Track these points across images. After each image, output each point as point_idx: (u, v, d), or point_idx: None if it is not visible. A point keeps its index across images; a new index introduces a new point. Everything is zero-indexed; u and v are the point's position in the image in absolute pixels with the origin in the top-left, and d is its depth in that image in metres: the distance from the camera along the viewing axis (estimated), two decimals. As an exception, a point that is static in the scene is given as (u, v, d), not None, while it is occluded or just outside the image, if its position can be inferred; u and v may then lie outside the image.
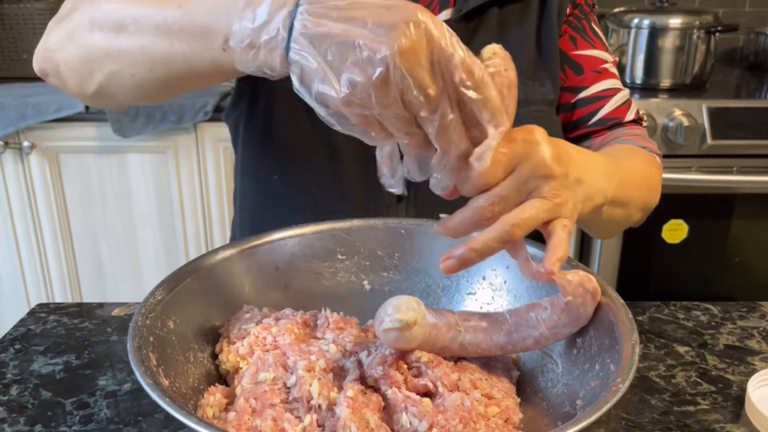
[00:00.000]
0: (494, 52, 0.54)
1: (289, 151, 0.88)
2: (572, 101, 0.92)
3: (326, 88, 0.48)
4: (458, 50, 0.48)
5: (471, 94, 0.49)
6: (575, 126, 0.93)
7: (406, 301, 0.57)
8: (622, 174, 0.72)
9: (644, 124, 0.96)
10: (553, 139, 0.57)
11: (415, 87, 0.47)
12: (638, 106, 0.97)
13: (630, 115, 0.93)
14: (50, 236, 1.99)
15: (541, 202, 0.55)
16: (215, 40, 0.55)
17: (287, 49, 0.50)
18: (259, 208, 0.95)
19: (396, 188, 0.55)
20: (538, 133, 0.55)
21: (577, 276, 0.59)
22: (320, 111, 0.50)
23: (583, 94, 0.92)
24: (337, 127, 0.51)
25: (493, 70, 0.53)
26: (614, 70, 0.94)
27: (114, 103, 0.70)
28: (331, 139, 0.86)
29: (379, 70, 0.46)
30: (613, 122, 0.92)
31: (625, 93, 0.93)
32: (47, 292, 2.06)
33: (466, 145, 0.52)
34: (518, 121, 0.57)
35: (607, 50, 0.94)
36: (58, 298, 2.06)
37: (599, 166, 0.65)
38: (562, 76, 0.91)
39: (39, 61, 0.70)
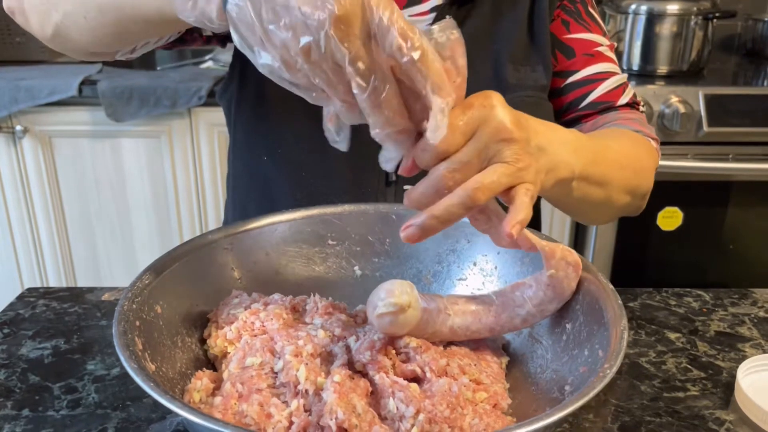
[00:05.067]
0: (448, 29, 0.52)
1: (278, 132, 0.88)
2: (562, 85, 0.90)
3: (258, 50, 0.49)
4: (397, 22, 0.47)
5: (408, 60, 0.48)
6: (566, 110, 0.91)
7: (399, 285, 0.57)
8: (598, 151, 0.70)
9: (641, 109, 0.93)
10: (510, 107, 0.56)
11: (346, 58, 0.47)
12: (634, 92, 0.94)
13: (624, 99, 0.91)
14: (44, 221, 1.98)
15: (504, 166, 0.54)
16: None
17: (225, 1, 0.50)
18: (250, 189, 0.95)
19: (340, 145, 0.54)
20: (495, 97, 0.54)
21: (558, 249, 0.59)
22: (262, 70, 0.50)
23: (573, 78, 0.90)
24: (281, 83, 0.51)
25: (442, 40, 0.51)
26: (610, 54, 0.92)
27: (72, 46, 0.73)
28: (321, 121, 0.85)
29: (306, 39, 0.46)
30: (605, 106, 0.90)
31: (620, 77, 0.91)
32: (41, 277, 2.06)
33: (404, 123, 0.52)
34: (511, 107, 0.56)
35: (604, 35, 0.92)
36: (53, 284, 2.06)
37: (565, 139, 0.63)
38: (553, 60, 0.90)
39: None
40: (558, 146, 0.60)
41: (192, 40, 0.85)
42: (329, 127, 0.54)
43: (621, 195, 0.78)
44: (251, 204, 0.95)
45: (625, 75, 0.92)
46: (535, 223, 1.01)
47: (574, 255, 0.60)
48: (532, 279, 0.61)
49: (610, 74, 0.91)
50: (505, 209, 0.57)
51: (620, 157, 0.77)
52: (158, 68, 2.05)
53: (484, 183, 0.53)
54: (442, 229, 0.55)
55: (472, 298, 0.62)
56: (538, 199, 1.02)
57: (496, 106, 0.53)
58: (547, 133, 0.60)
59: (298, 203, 0.88)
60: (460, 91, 0.53)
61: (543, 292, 0.60)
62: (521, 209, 0.54)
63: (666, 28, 1.92)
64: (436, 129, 0.50)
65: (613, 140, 0.81)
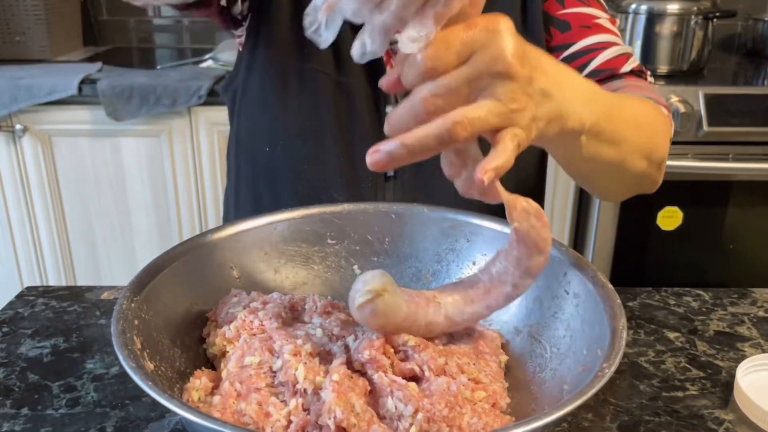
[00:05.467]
0: None
1: (280, 124, 0.88)
2: (559, 59, 0.85)
3: None
4: None
5: None
6: None
7: (371, 274, 0.57)
8: (612, 106, 0.63)
9: (650, 79, 0.86)
10: (522, 38, 0.49)
11: None
12: (640, 63, 0.88)
13: (628, 67, 0.84)
14: (44, 220, 1.98)
15: (495, 104, 0.47)
16: None
17: None
18: (252, 180, 0.95)
19: (320, 41, 0.49)
20: (504, 22, 0.48)
21: (519, 200, 0.54)
22: None
23: (570, 50, 0.84)
24: None
25: None
26: (610, 26, 0.86)
27: None
28: (321, 115, 0.86)
29: None
30: (607, 74, 0.83)
31: (623, 47, 0.84)
32: (41, 276, 2.06)
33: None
34: (522, 38, 0.53)
35: (604, 10, 0.87)
36: (52, 283, 2.06)
37: (579, 87, 0.56)
38: (547, 38, 0.86)
39: None
40: (569, 94, 0.54)
41: (207, 4, 0.83)
42: (319, 17, 0.48)
43: (636, 158, 0.71)
44: (255, 194, 0.95)
45: (629, 47, 0.85)
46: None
47: (532, 204, 0.55)
48: (506, 246, 0.58)
49: (611, 44, 0.84)
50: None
51: (635, 114, 0.70)
52: (158, 67, 2.05)
53: (468, 117, 0.47)
54: (412, 161, 0.49)
55: (459, 283, 0.61)
56: (540, 191, 1.01)
57: (501, 32, 0.47)
58: (559, 77, 0.53)
59: (300, 196, 0.88)
60: (476, 8, 0.48)
61: (516, 250, 0.57)
62: (501, 154, 0.47)
63: (666, 28, 1.92)
64: (414, 40, 0.46)
65: (628, 98, 0.73)
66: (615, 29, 0.87)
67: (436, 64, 0.47)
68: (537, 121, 0.51)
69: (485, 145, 0.51)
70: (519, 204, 0.54)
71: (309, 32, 0.49)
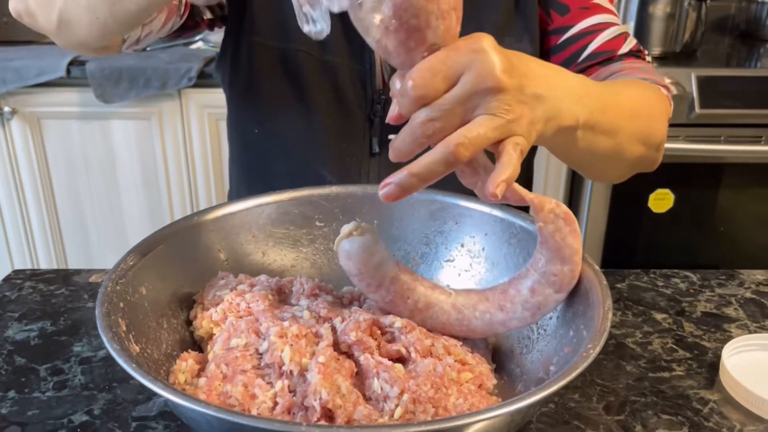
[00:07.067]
0: None
1: (267, 104, 0.89)
2: (559, 42, 0.86)
3: None
4: None
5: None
6: (565, 66, 0.87)
7: (355, 223, 0.61)
8: (605, 98, 0.64)
9: (647, 58, 0.88)
10: (507, 50, 0.51)
11: None
12: (637, 42, 0.89)
13: (626, 48, 0.85)
14: (34, 203, 1.97)
15: (491, 119, 0.49)
16: None
17: None
18: (245, 160, 0.96)
19: (317, 30, 0.51)
20: (486, 41, 0.49)
21: (547, 201, 0.55)
22: None
23: (570, 33, 0.85)
24: None
25: None
26: (608, 6, 0.87)
27: (78, 37, 0.72)
28: (307, 94, 0.87)
29: None
30: (606, 56, 0.85)
31: (620, 27, 0.86)
32: (32, 259, 2.05)
33: None
34: (504, 50, 0.54)
35: None
36: (43, 265, 2.05)
37: (569, 84, 0.58)
38: (547, 19, 0.86)
39: (12, 2, 0.74)
40: (560, 92, 0.56)
41: (194, 26, 0.85)
42: (304, 9, 0.51)
43: (633, 145, 0.72)
44: (247, 172, 0.96)
45: (626, 26, 0.88)
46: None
47: (562, 207, 0.56)
48: (533, 255, 0.59)
49: (609, 24, 0.86)
50: (494, 161, 0.53)
51: (630, 103, 0.71)
52: (147, 49, 2.02)
53: (468, 137, 0.49)
54: (423, 187, 0.51)
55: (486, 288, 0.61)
56: (528, 181, 1.01)
57: (485, 50, 0.49)
58: (549, 78, 0.55)
59: (289, 173, 0.89)
60: (450, 35, 0.50)
61: (539, 252, 0.57)
62: (507, 166, 0.49)
63: (659, 9, 1.90)
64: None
65: (620, 86, 0.75)
66: (612, 8, 0.88)
67: (425, 92, 0.49)
68: (535, 124, 0.53)
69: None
70: (546, 205, 0.55)
71: (305, 30, 0.51)
